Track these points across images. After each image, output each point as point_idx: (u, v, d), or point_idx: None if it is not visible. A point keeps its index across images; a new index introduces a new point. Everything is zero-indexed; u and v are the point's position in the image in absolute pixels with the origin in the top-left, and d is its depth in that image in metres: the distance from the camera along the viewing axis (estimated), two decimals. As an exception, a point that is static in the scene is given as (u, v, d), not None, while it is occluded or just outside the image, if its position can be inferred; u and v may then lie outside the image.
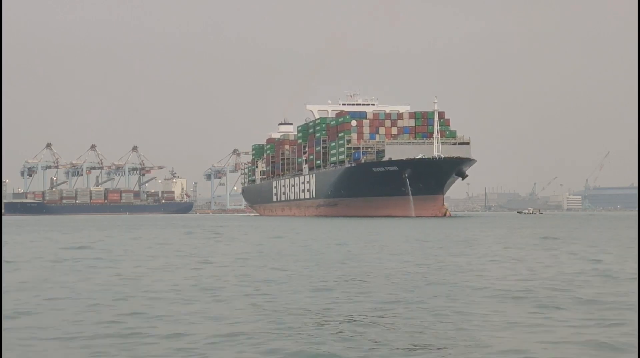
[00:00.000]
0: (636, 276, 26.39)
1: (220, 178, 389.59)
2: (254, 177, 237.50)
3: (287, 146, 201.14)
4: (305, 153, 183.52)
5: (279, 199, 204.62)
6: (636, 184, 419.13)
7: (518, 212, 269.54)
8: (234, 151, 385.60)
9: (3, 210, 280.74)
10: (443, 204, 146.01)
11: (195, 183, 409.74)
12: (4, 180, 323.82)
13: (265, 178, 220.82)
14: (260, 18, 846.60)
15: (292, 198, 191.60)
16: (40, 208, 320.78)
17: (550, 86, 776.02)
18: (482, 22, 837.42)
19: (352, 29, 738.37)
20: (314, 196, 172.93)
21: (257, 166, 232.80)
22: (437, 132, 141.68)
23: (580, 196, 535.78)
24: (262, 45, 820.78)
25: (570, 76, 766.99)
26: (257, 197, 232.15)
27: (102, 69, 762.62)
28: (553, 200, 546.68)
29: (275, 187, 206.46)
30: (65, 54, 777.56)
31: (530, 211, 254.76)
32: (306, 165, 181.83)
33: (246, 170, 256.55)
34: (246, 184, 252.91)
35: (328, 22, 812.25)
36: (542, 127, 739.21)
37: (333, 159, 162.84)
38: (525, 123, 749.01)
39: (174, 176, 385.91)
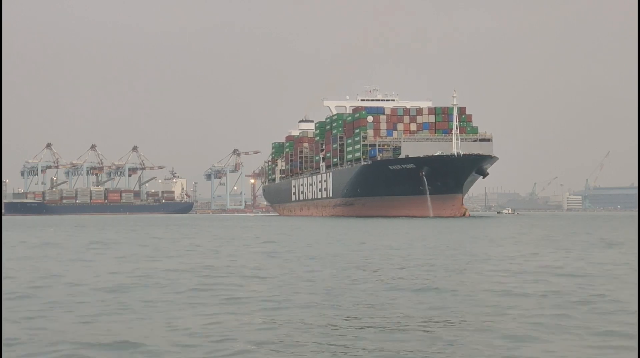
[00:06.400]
0: None
1: (220, 178, 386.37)
2: (274, 176, 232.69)
3: (305, 144, 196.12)
4: (322, 150, 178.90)
5: (297, 199, 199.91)
6: (636, 184, 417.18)
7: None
8: (234, 151, 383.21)
9: (3, 210, 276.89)
10: (462, 204, 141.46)
11: (195, 183, 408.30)
12: (4, 180, 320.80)
13: (284, 177, 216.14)
14: (278, 18, 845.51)
15: (309, 197, 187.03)
16: (40, 208, 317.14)
17: (550, 86, 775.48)
18: (497, 20, 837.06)
19: (376, 26, 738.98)
20: (331, 196, 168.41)
21: (276, 165, 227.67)
22: (456, 128, 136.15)
23: (580, 196, 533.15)
24: (286, 44, 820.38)
25: (570, 76, 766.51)
26: (276, 196, 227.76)
27: (103, 69, 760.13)
28: (553, 200, 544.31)
29: (294, 186, 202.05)
30: (66, 54, 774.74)
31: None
32: (323, 163, 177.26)
33: (266, 169, 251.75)
34: (267, 184, 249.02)
35: (349, 21, 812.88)
36: (542, 127, 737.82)
37: (349, 156, 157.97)
38: (525, 123, 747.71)
39: (174, 176, 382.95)
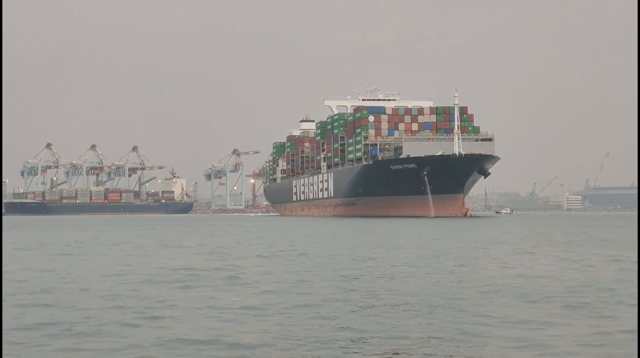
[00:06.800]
0: None
1: (220, 178, 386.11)
2: (275, 176, 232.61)
3: (306, 144, 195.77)
4: (323, 150, 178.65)
5: (298, 199, 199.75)
6: (636, 184, 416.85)
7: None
8: (234, 151, 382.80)
9: (3, 210, 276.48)
10: (463, 204, 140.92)
11: (195, 183, 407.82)
12: (4, 180, 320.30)
13: (285, 177, 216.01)
14: (278, 18, 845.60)
15: (310, 197, 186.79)
16: (40, 208, 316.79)
17: (550, 87, 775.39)
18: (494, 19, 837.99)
19: (376, 26, 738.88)
20: (332, 196, 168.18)
21: (277, 165, 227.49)
22: (458, 128, 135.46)
23: (580, 196, 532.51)
24: (286, 44, 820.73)
25: (570, 76, 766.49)
26: (277, 196, 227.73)
27: (103, 69, 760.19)
28: (553, 200, 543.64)
29: (295, 186, 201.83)
30: (66, 54, 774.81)
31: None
32: (324, 163, 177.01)
33: (267, 169, 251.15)
34: (268, 184, 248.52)
35: (349, 21, 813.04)
36: (542, 127, 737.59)
37: (350, 156, 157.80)
38: (526, 123, 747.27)
39: (174, 176, 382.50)
